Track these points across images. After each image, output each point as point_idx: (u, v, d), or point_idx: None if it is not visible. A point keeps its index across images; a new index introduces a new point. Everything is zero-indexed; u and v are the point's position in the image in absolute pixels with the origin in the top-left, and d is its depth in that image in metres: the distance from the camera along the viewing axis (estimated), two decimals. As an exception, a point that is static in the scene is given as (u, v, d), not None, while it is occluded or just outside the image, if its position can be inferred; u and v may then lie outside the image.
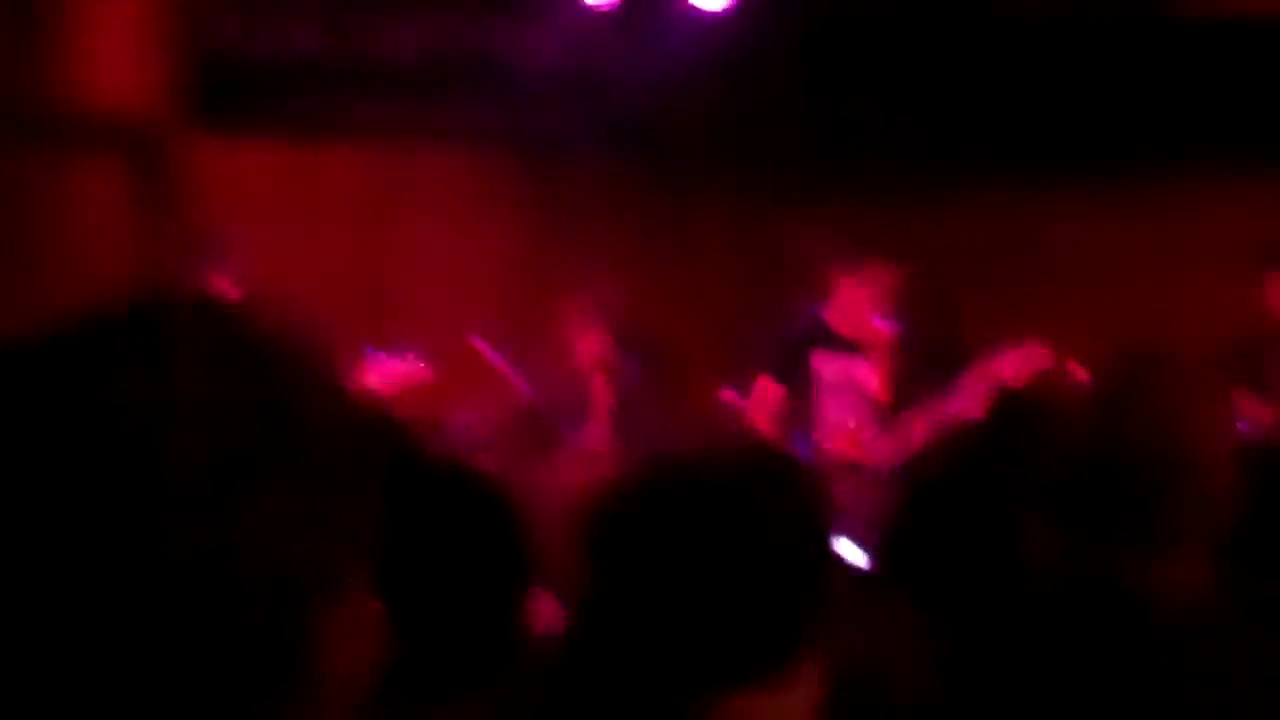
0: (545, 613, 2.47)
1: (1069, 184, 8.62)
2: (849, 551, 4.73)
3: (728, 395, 7.33)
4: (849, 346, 6.53)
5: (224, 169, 8.12)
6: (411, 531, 1.91)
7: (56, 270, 7.45)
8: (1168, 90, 8.32)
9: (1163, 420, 1.90)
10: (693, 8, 7.51)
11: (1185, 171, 8.45)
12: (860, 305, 6.50)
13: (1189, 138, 8.37)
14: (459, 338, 6.72)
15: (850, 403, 6.51)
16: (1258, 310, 6.68)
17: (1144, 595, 1.88)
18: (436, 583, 1.96)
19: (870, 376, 6.51)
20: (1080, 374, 6.28)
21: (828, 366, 6.52)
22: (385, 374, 6.31)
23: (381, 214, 8.33)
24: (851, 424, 6.48)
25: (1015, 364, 6.35)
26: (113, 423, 0.94)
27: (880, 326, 6.53)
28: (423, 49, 8.33)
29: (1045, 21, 7.88)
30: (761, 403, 6.52)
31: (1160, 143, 8.42)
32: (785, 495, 1.90)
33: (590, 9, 7.49)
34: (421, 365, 6.55)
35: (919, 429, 6.45)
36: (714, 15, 7.55)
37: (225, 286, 6.60)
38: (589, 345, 6.99)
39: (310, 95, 8.26)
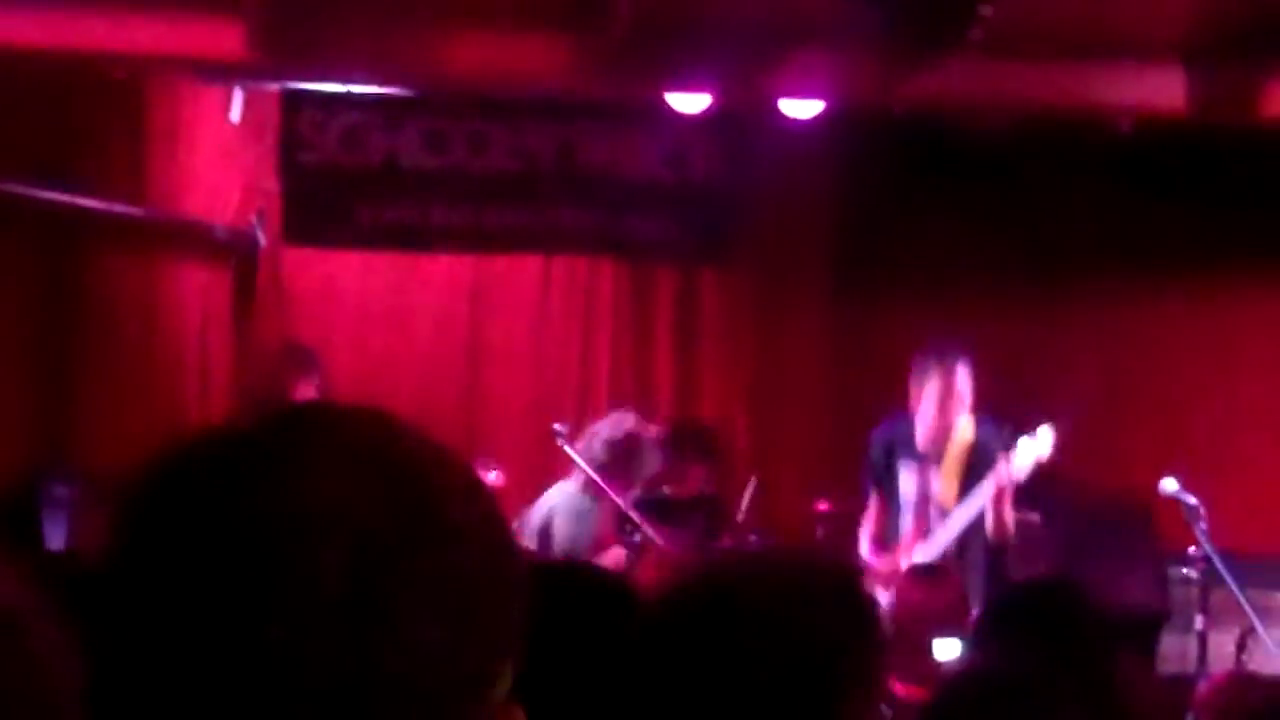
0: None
1: (1169, 289, 8.59)
2: (949, 650, 4.73)
3: (821, 505, 7.30)
4: (924, 457, 6.46)
5: (321, 276, 8.24)
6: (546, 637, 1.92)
7: (162, 363, 7.59)
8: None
9: None
10: (784, 116, 7.57)
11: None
12: (943, 415, 6.39)
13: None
14: (549, 441, 6.73)
15: (926, 512, 6.43)
16: None
17: None
18: (571, 686, 1.97)
19: (944, 485, 6.41)
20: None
21: (907, 478, 6.46)
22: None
23: (477, 320, 8.40)
24: (926, 533, 6.39)
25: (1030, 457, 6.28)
26: (256, 535, 0.96)
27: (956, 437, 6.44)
28: (520, 156, 8.45)
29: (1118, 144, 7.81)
30: (868, 516, 6.49)
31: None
32: (831, 604, 1.92)
33: (685, 118, 7.57)
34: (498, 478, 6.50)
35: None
36: (805, 124, 7.60)
37: (312, 394, 6.66)
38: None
39: (409, 203, 8.38)
